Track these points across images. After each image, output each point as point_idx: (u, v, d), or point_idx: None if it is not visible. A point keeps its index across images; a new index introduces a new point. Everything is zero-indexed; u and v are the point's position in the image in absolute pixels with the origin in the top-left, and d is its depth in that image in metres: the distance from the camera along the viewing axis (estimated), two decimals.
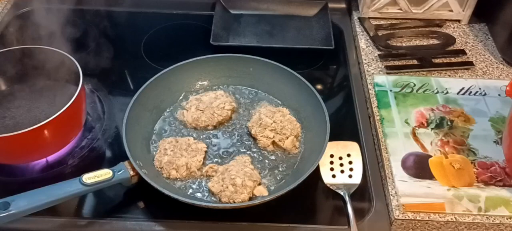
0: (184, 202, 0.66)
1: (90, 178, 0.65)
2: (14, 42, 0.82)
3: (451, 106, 0.85)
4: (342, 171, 0.75)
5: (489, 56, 0.97)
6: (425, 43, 1.00)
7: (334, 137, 0.74)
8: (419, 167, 0.74)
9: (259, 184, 0.71)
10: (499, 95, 0.87)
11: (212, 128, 0.80)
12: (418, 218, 0.69)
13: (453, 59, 0.95)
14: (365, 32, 1.01)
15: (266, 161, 0.76)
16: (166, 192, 0.66)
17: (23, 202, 0.61)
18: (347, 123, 0.85)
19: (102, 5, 1.07)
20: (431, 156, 0.76)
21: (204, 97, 0.82)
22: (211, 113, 0.80)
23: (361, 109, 0.86)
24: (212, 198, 0.70)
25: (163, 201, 0.67)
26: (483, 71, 0.93)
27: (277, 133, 0.77)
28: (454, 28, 1.04)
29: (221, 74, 0.87)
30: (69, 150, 0.77)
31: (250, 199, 0.69)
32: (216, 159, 0.76)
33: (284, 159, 0.76)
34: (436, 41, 1.00)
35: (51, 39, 0.81)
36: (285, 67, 0.84)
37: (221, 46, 0.96)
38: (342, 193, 0.72)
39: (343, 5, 1.10)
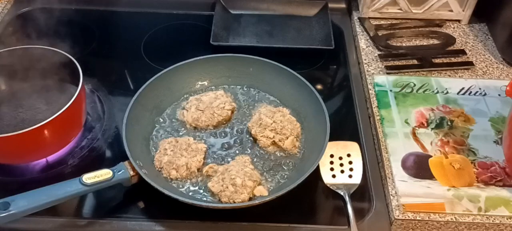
0: (184, 202, 0.66)
1: (90, 178, 0.65)
2: (14, 42, 0.82)
3: (451, 106, 0.85)
4: (342, 171, 0.75)
5: (489, 56, 0.97)
6: (425, 43, 1.00)
7: (334, 137, 0.74)
8: (419, 167, 0.74)
9: (259, 184, 0.71)
10: (499, 95, 0.87)
11: (212, 128, 0.80)
12: (418, 218, 0.69)
13: (453, 59, 0.95)
14: (365, 32, 1.01)
15: (266, 161, 0.76)
16: (166, 192, 0.66)
17: (23, 202, 0.61)
18: (347, 123, 0.85)
19: (102, 5, 1.07)
20: (431, 156, 0.76)
21: (204, 97, 0.82)
22: (211, 113, 0.80)
23: (361, 109, 0.86)
24: (212, 198, 0.70)
25: (163, 201, 0.67)
26: (483, 71, 0.93)
27: (277, 133, 0.77)
28: (454, 28, 1.04)
29: (221, 74, 0.87)
30: (69, 150, 0.77)
31: (250, 199, 0.69)
32: (216, 159, 0.76)
33: (284, 159, 0.76)
34: (436, 41, 1.00)
35: (51, 39, 0.81)
36: (285, 67, 0.84)
37: (221, 46, 0.96)
38: (342, 193, 0.72)
39: (343, 5, 1.10)
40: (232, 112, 0.82)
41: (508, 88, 0.69)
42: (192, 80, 0.86)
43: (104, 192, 0.69)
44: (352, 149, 0.77)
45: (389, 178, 0.74)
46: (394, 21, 1.04)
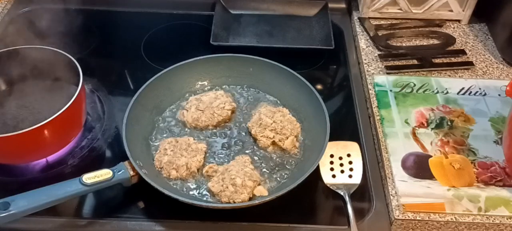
0: (184, 202, 0.66)
1: (90, 178, 0.65)
2: (14, 42, 0.82)
3: (451, 106, 0.85)
4: (342, 171, 0.75)
5: (489, 56, 0.97)
6: (425, 43, 1.00)
7: (334, 137, 0.74)
8: (419, 167, 0.74)
9: (259, 184, 0.71)
10: (499, 95, 0.87)
11: (212, 128, 0.80)
12: (418, 218, 0.69)
13: (453, 59, 0.95)
14: (365, 32, 1.01)
15: (266, 161, 0.76)
16: (166, 192, 0.66)
17: (23, 202, 0.61)
18: (347, 123, 0.85)
19: (102, 5, 1.07)
20: (431, 156, 0.76)
21: (204, 97, 0.82)
22: (211, 113, 0.80)
23: (361, 109, 0.86)
24: (212, 198, 0.70)
25: (163, 201, 0.67)
26: (483, 71, 0.93)
27: (277, 133, 0.77)
28: (454, 28, 1.04)
29: (221, 74, 0.87)
30: (69, 150, 0.77)
31: (250, 199, 0.69)
32: (216, 159, 0.76)
33: (284, 159, 0.76)
34: (436, 41, 1.00)
35: (51, 39, 0.81)
36: (285, 67, 0.84)
37: (221, 46, 0.96)
38: (342, 193, 0.72)
39: (343, 5, 1.10)
40: (232, 112, 0.82)
41: (508, 88, 0.69)
42: (192, 80, 0.86)
43: (104, 192, 0.69)
44: (352, 149, 0.77)
45: (389, 178, 0.74)
46: (394, 21, 1.04)
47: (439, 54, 0.96)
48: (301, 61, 0.94)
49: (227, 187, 0.68)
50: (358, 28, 1.03)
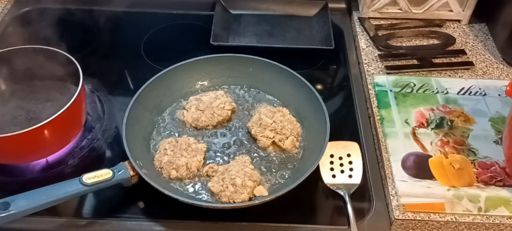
0: (184, 202, 0.66)
1: (90, 178, 0.65)
2: (14, 42, 0.82)
3: (451, 106, 0.85)
4: (342, 171, 0.75)
5: (489, 56, 0.97)
6: (425, 43, 1.00)
7: (334, 137, 0.74)
8: (419, 167, 0.74)
9: (259, 184, 0.71)
10: (499, 95, 0.87)
11: (212, 128, 0.80)
12: (418, 218, 0.69)
13: (453, 59, 0.95)
14: (365, 32, 1.01)
15: (266, 161, 0.76)
16: (166, 192, 0.66)
17: (23, 202, 0.61)
18: (347, 123, 0.85)
19: (102, 5, 1.07)
20: (431, 156, 0.76)
21: (204, 97, 0.82)
22: (211, 113, 0.80)
23: (361, 109, 0.86)
24: (212, 198, 0.70)
25: (163, 201, 0.67)
26: (483, 71, 0.93)
27: (277, 133, 0.77)
28: (454, 28, 1.04)
29: (221, 74, 0.87)
30: (69, 150, 0.77)
31: (250, 199, 0.69)
32: (216, 159, 0.76)
33: (284, 159, 0.76)
34: (436, 41, 1.00)
35: (51, 39, 0.81)
36: (285, 67, 0.84)
37: (221, 46, 0.96)
38: (342, 193, 0.72)
39: (343, 5, 1.10)
40: (232, 112, 0.82)
41: (508, 88, 0.69)
42: (192, 80, 0.86)
43: (104, 192, 0.69)
44: (352, 149, 0.77)
45: (389, 178, 0.74)
46: (394, 21, 1.04)
47: (439, 54, 0.96)
48: (301, 61, 0.94)
49: (227, 187, 0.68)
50: (358, 28, 1.03)
